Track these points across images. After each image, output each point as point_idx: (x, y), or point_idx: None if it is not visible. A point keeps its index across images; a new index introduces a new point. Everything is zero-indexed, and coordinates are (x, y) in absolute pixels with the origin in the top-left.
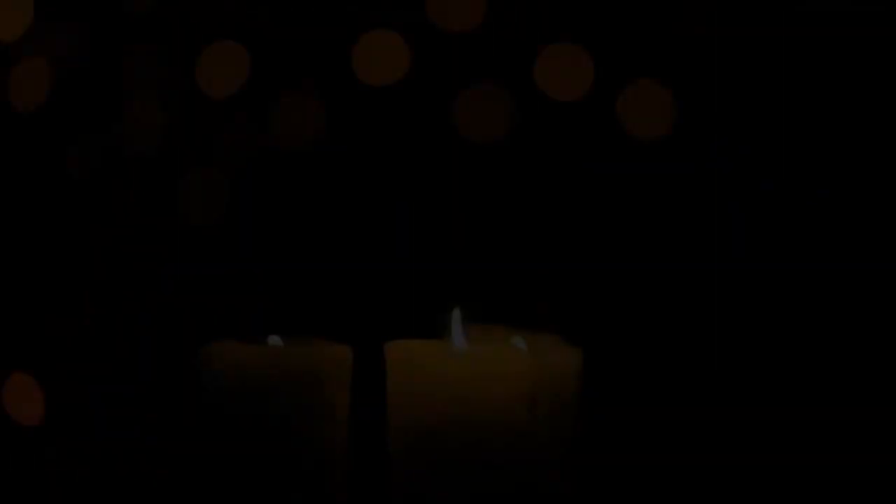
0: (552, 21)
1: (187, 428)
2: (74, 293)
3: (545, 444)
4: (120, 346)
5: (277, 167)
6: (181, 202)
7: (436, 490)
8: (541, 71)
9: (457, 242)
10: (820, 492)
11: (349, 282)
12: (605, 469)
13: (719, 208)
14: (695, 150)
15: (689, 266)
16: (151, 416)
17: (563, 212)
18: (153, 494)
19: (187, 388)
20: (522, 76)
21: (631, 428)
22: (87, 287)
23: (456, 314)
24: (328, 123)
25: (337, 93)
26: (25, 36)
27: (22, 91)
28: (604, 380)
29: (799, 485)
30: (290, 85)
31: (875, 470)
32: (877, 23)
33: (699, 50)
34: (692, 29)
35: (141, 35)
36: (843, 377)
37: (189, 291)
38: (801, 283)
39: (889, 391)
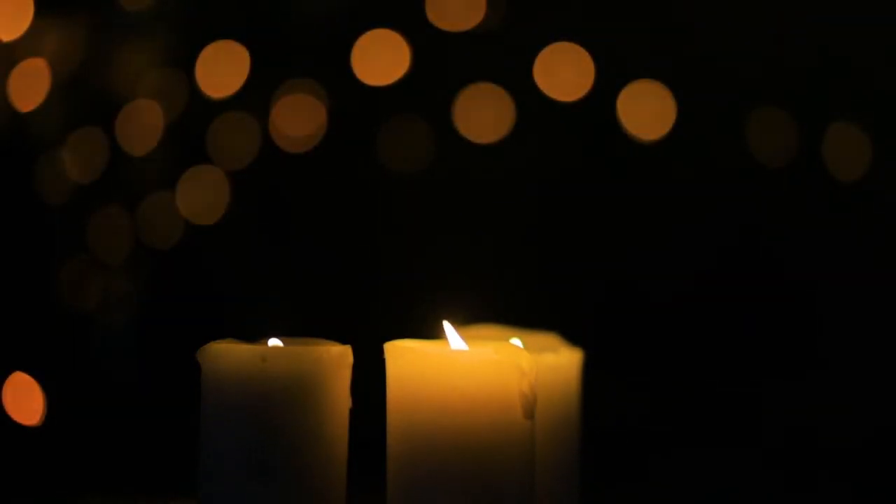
0: (552, 21)
1: (188, 427)
2: (76, 292)
3: (544, 444)
4: (120, 346)
5: (277, 167)
6: (181, 202)
7: (435, 489)
8: (541, 71)
9: (459, 241)
10: None
11: (349, 282)
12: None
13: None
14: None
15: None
16: (151, 415)
17: (562, 212)
18: (152, 492)
19: (188, 387)
20: (522, 76)
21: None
22: (88, 286)
23: (447, 326)
24: (328, 123)
25: (337, 93)
26: (25, 36)
27: (22, 91)
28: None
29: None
30: (291, 85)
31: None
32: None
33: None
34: None
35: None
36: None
37: (190, 291)
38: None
39: None
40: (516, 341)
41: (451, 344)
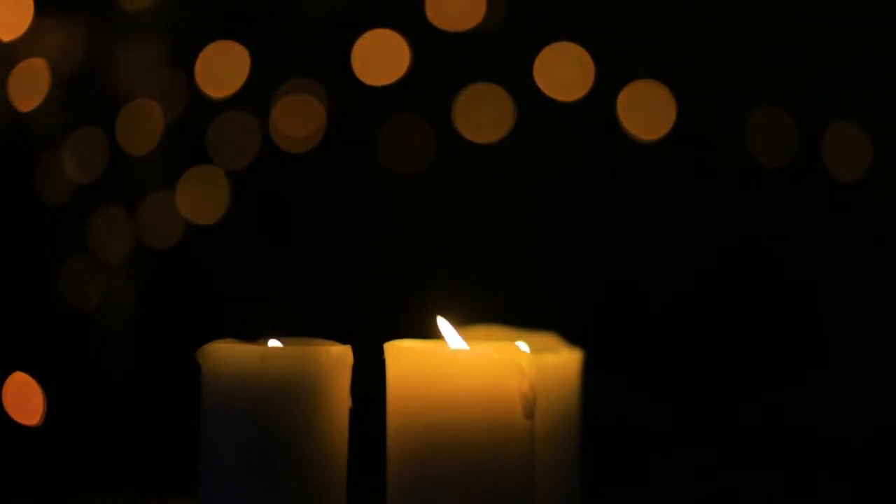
0: (552, 21)
1: (188, 427)
2: (76, 292)
3: (544, 444)
4: (120, 346)
5: (278, 167)
6: (181, 202)
7: (434, 489)
8: (541, 71)
9: (460, 241)
10: None
11: (349, 282)
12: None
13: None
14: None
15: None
16: (151, 415)
17: (562, 212)
18: (152, 492)
19: (188, 387)
20: (522, 76)
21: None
22: (89, 286)
23: (441, 322)
24: (328, 123)
25: (337, 93)
26: (25, 36)
27: (22, 91)
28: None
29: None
30: (291, 85)
31: None
32: None
33: None
34: None
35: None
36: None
37: (190, 291)
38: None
39: None
40: (518, 341)
41: (447, 340)
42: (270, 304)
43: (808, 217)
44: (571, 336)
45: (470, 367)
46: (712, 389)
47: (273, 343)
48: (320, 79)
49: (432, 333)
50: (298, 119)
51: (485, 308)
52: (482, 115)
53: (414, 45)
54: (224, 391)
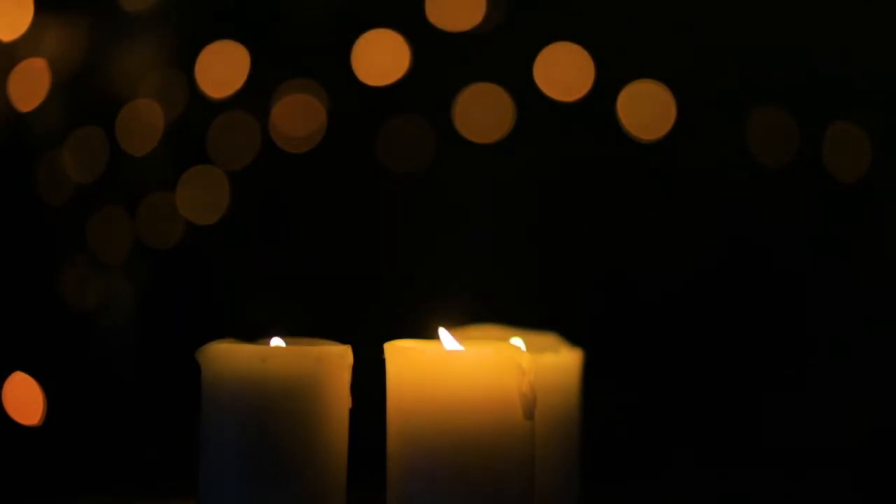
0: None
1: (188, 427)
2: (75, 292)
3: (544, 444)
4: (120, 346)
5: (278, 167)
6: (181, 202)
7: (434, 489)
8: (541, 71)
9: (459, 242)
10: None
11: (349, 282)
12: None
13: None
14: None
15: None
16: (151, 416)
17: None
18: (152, 492)
19: (188, 387)
20: (522, 76)
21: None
22: (89, 285)
23: (443, 333)
24: (328, 123)
25: (337, 93)
26: (25, 36)
27: (22, 91)
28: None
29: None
30: (291, 85)
31: None
32: None
33: None
34: None
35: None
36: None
37: (190, 291)
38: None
39: None
40: (517, 341)
41: (447, 347)
42: (270, 304)
43: (808, 217)
44: (571, 336)
45: (470, 367)
46: (712, 389)
47: (275, 343)
48: (320, 79)
49: (432, 333)
50: (298, 119)
51: (484, 308)
52: (482, 115)
53: (414, 45)
54: (224, 391)
